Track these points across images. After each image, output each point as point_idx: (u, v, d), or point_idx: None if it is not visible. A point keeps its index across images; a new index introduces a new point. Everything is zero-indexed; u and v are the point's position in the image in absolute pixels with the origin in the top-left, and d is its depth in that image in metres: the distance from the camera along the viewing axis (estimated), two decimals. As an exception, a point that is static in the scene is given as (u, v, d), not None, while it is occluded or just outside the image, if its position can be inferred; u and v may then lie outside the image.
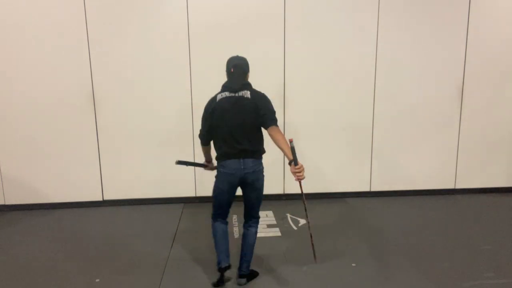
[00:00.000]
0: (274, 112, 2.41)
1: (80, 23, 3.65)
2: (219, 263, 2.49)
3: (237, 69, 2.42)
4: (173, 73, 3.81)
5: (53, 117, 3.78)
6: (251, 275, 2.61)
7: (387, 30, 3.91)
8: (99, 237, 3.31)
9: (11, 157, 3.82)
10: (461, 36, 3.99)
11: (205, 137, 2.53)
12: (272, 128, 2.36)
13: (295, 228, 3.47)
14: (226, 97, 2.39)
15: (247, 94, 2.39)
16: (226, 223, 2.59)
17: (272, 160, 4.03)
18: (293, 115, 3.98)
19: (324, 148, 4.09)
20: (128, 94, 3.81)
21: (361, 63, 3.96)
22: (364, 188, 4.23)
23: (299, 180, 2.33)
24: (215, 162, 2.56)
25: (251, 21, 3.78)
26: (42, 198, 3.92)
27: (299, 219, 3.66)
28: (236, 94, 2.39)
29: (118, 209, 3.94)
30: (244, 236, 2.58)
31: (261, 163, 2.47)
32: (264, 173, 2.50)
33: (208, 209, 3.85)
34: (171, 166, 3.99)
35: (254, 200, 2.51)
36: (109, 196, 4.00)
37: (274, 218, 3.67)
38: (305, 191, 2.49)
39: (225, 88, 2.44)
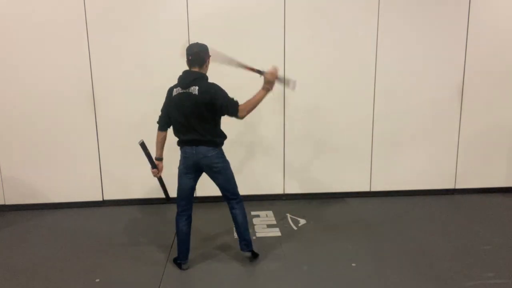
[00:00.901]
0: (231, 99, 2.53)
1: (80, 23, 3.65)
2: (178, 259, 2.77)
3: (194, 57, 2.53)
4: (173, 73, 3.79)
5: (53, 117, 3.78)
6: (253, 254, 2.84)
7: (387, 30, 3.91)
8: (99, 237, 3.31)
9: (11, 157, 3.82)
10: (461, 36, 3.99)
11: (162, 120, 2.71)
12: (240, 110, 2.52)
13: (295, 228, 3.47)
14: (179, 94, 2.56)
15: (195, 90, 2.49)
16: (190, 220, 2.75)
17: (272, 160, 4.04)
18: (293, 115, 3.98)
19: (324, 148, 4.09)
20: (128, 94, 3.81)
21: (361, 62, 3.96)
22: (364, 188, 4.23)
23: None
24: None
25: (251, 20, 3.78)
26: (42, 198, 3.92)
27: (299, 219, 3.66)
28: (187, 90, 2.52)
29: (118, 209, 3.94)
30: (233, 218, 2.77)
31: (215, 149, 2.60)
32: (227, 158, 2.69)
33: (208, 209, 3.87)
34: (171, 166, 4.00)
35: (222, 182, 2.68)
36: (109, 196, 4.00)
37: (274, 218, 3.67)
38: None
39: (178, 83, 2.60)
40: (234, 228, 2.94)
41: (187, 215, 2.73)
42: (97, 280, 2.63)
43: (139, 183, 3.98)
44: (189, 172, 2.66)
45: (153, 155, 2.82)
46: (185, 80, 2.55)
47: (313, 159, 4.10)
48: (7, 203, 3.91)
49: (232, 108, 2.51)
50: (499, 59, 4.07)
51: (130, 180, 3.97)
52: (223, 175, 2.66)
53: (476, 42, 4.01)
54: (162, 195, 4.06)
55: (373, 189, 4.23)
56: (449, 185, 4.30)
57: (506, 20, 4.01)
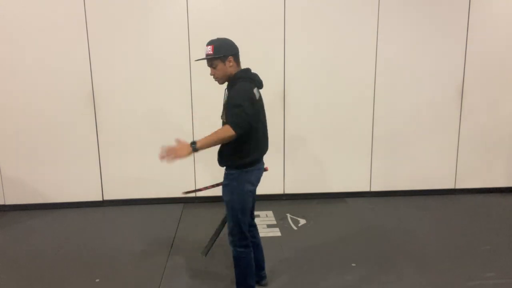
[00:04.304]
0: None
1: (80, 23, 3.65)
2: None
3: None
4: (173, 72, 3.81)
5: (53, 117, 3.78)
6: None
7: (387, 30, 3.90)
8: (99, 237, 3.31)
9: (11, 157, 3.81)
10: (461, 36, 3.99)
11: (249, 121, 2.07)
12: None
13: (295, 228, 3.47)
14: (260, 95, 2.23)
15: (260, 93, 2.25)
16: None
17: (272, 160, 4.03)
18: (293, 115, 3.98)
19: (324, 148, 4.09)
20: (128, 94, 3.81)
21: (361, 63, 3.95)
22: (364, 188, 4.23)
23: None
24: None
25: (251, 21, 3.78)
26: (42, 198, 3.92)
27: (299, 219, 3.66)
28: (260, 91, 2.25)
29: (118, 209, 3.94)
30: (256, 247, 2.44)
31: None
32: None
33: (208, 209, 3.86)
34: (171, 166, 4.01)
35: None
36: (109, 196, 4.00)
37: (274, 218, 3.67)
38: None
39: (253, 82, 2.19)
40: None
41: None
42: (97, 280, 2.64)
43: (139, 183, 3.98)
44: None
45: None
46: (258, 77, 2.24)
47: (313, 159, 4.09)
48: (7, 203, 3.91)
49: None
50: (499, 59, 4.07)
51: (130, 180, 3.97)
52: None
53: (476, 42, 4.01)
54: (162, 195, 4.08)
55: (373, 189, 4.23)
56: (449, 185, 4.30)
57: (506, 20, 4.01)
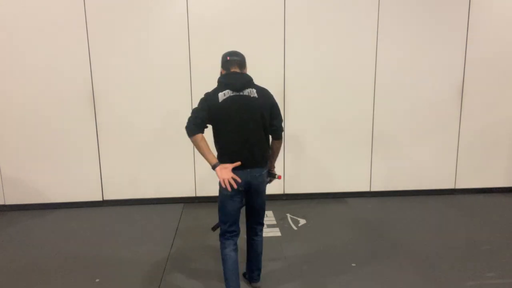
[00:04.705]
0: (281, 120, 2.36)
1: (80, 23, 3.65)
2: None
3: (238, 57, 2.26)
4: (173, 72, 3.81)
5: (53, 117, 3.78)
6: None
7: (387, 30, 3.91)
8: (99, 237, 3.31)
9: (11, 157, 3.81)
10: (461, 36, 3.99)
11: (197, 121, 2.17)
12: (279, 141, 2.39)
13: (295, 228, 3.47)
14: (230, 97, 2.17)
15: (253, 93, 2.21)
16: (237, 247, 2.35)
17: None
18: (293, 115, 3.98)
19: (324, 148, 4.09)
20: (128, 94, 3.81)
21: (361, 63, 3.96)
22: (364, 188, 4.23)
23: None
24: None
25: (251, 21, 3.78)
26: (42, 198, 3.92)
27: (299, 219, 3.66)
28: (240, 93, 2.18)
29: (118, 209, 3.94)
30: (251, 247, 2.48)
31: (264, 169, 2.35)
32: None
33: (208, 209, 3.86)
34: (171, 166, 4.02)
35: (260, 203, 2.42)
36: (109, 196, 4.00)
37: (274, 218, 3.67)
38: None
39: (223, 86, 2.20)
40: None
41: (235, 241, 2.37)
42: (97, 280, 2.64)
43: (139, 183, 3.98)
44: (236, 194, 2.25)
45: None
46: (237, 81, 2.19)
47: (313, 159, 4.10)
48: (7, 203, 3.91)
49: (280, 122, 2.32)
50: (499, 59, 4.07)
51: (130, 180, 3.97)
52: (262, 196, 2.38)
53: (476, 42, 4.01)
54: (162, 195, 4.08)
55: (373, 189, 4.23)
56: (449, 185, 4.30)
57: (506, 20, 4.01)
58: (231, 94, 2.18)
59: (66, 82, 3.73)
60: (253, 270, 2.53)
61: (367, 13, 3.87)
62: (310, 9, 3.81)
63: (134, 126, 3.86)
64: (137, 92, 3.81)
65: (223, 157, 2.22)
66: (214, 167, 2.15)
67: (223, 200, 2.28)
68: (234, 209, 2.29)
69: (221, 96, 2.17)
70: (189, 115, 2.23)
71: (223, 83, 2.22)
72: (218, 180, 2.18)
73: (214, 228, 2.52)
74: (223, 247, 2.33)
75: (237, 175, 2.15)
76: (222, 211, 2.32)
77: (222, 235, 2.35)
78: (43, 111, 3.76)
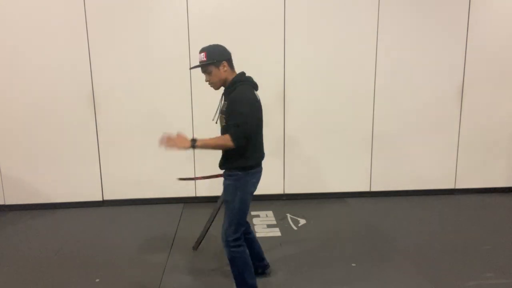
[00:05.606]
0: None
1: (80, 23, 3.65)
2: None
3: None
4: (173, 72, 3.81)
5: (53, 117, 3.78)
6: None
7: (387, 30, 3.91)
8: (99, 237, 3.31)
9: (11, 157, 3.81)
10: (461, 36, 3.99)
11: (248, 132, 2.11)
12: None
13: (295, 228, 3.47)
14: (259, 98, 2.23)
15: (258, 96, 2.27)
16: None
17: (272, 160, 4.03)
18: (293, 115, 3.98)
19: (324, 147, 4.09)
20: (128, 94, 3.81)
21: (361, 63, 3.96)
22: (364, 188, 4.23)
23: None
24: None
25: (251, 21, 3.78)
26: (42, 198, 3.92)
27: (299, 219, 3.66)
28: (257, 94, 2.24)
29: (118, 209, 3.94)
30: (251, 243, 2.51)
31: None
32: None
33: (208, 209, 3.85)
34: (171, 166, 4.01)
35: None
36: (109, 196, 4.00)
37: (274, 218, 3.67)
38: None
39: (251, 83, 2.22)
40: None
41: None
42: (97, 280, 2.64)
43: (139, 183, 3.98)
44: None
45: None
46: (253, 80, 2.27)
47: (313, 159, 4.10)
48: (7, 203, 3.91)
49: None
50: (499, 59, 4.07)
51: (130, 180, 3.97)
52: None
53: (476, 42, 4.01)
54: (162, 195, 4.08)
55: (373, 189, 4.23)
56: (449, 185, 4.30)
57: (506, 20, 4.01)
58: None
59: (66, 82, 3.73)
60: (263, 258, 2.61)
61: (367, 13, 3.87)
62: (310, 9, 3.81)
63: (134, 126, 3.86)
64: (137, 92, 3.81)
65: (252, 157, 2.19)
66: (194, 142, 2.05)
67: (247, 199, 2.22)
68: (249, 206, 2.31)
69: (257, 95, 2.22)
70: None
71: (250, 82, 2.23)
72: (235, 183, 2.18)
73: (196, 247, 2.55)
74: (243, 250, 2.25)
75: (259, 175, 2.27)
76: (244, 211, 2.23)
77: (238, 239, 2.22)
78: (43, 111, 3.76)
